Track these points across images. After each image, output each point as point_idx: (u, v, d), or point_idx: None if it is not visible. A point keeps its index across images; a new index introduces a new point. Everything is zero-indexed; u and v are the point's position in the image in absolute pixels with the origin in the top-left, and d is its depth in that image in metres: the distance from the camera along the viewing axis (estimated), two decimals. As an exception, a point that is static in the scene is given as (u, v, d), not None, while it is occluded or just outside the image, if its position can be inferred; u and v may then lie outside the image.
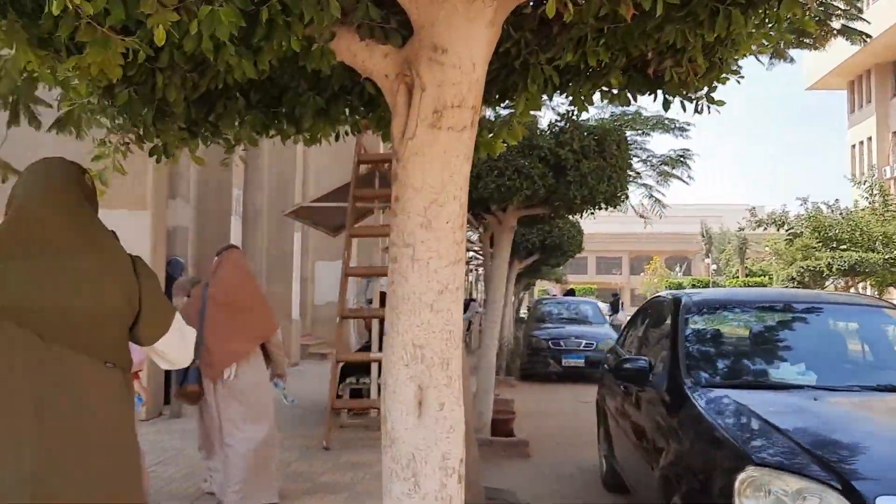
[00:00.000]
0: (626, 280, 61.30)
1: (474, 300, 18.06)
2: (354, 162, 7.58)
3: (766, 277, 40.56)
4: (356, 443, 6.77)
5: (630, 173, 7.11)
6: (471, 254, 19.68)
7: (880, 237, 26.87)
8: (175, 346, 2.13)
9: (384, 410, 2.09)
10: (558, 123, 6.66)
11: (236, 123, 2.47)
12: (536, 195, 6.51)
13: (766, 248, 40.01)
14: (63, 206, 1.97)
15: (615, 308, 21.22)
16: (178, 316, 2.16)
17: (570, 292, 19.56)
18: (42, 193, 1.98)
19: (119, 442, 1.97)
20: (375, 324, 7.41)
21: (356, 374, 7.70)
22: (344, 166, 19.01)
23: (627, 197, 6.95)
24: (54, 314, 1.89)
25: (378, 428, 2.24)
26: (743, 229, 35.46)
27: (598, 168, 6.58)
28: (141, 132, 2.43)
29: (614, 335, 14.07)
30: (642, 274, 57.90)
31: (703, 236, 53.60)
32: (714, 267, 53.83)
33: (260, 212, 13.47)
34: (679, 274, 57.43)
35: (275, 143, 2.71)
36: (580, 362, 13.35)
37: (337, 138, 2.87)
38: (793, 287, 34.65)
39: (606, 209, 6.89)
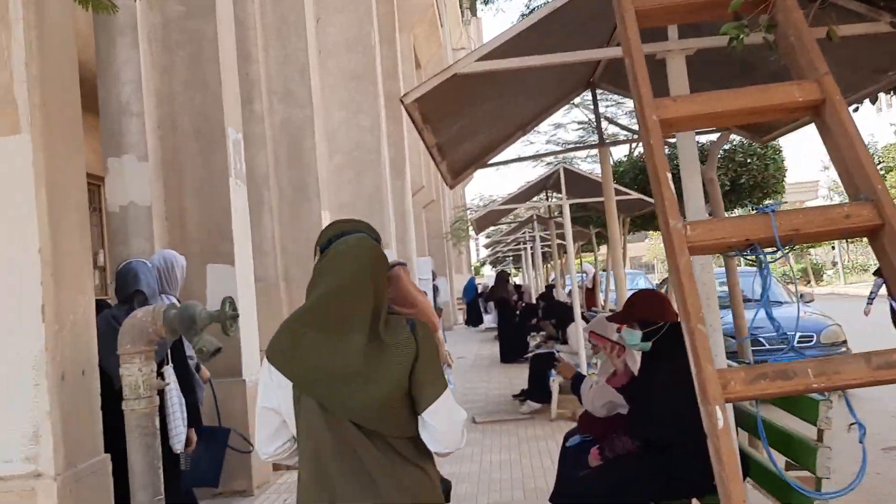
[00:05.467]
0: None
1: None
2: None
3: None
4: None
5: None
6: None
7: None
8: (443, 419, 1.99)
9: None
10: None
11: None
12: None
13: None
14: (367, 288, 2.02)
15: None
16: (448, 392, 2.04)
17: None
18: (360, 275, 2.02)
19: (427, 491, 1.99)
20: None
21: None
22: (362, 113, 14.13)
23: None
24: (351, 391, 1.95)
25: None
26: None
27: None
28: None
29: (829, 321, 9.19)
30: (647, 241, 51.15)
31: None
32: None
33: (266, 177, 8.41)
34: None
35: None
36: (795, 366, 8.39)
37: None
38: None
39: None
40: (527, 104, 4.85)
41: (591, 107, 5.28)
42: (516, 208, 9.96)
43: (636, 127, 7.40)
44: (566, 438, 4.29)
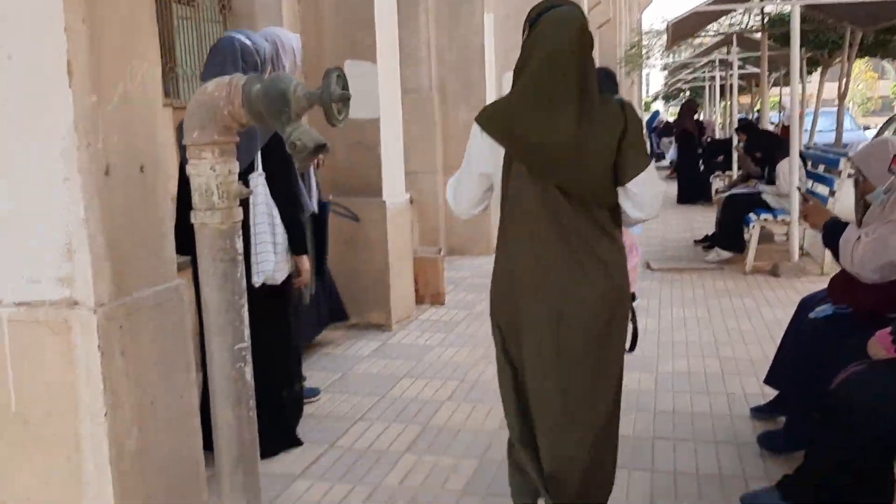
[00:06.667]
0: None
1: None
2: None
3: None
4: None
5: None
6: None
7: None
8: (646, 190, 2.12)
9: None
10: None
11: None
12: None
13: None
14: (575, 56, 2.05)
15: None
16: (652, 166, 2.14)
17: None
18: (570, 45, 2.05)
19: (613, 261, 2.11)
20: None
21: None
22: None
23: None
24: (560, 160, 2.05)
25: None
26: None
27: None
28: None
29: None
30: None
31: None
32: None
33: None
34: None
35: None
36: None
37: None
38: None
39: None
40: None
41: None
42: (730, 10, 8.15)
43: None
44: (804, 305, 3.11)
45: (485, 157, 2.15)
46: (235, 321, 2.09)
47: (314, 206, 3.50)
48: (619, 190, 2.13)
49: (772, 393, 3.42)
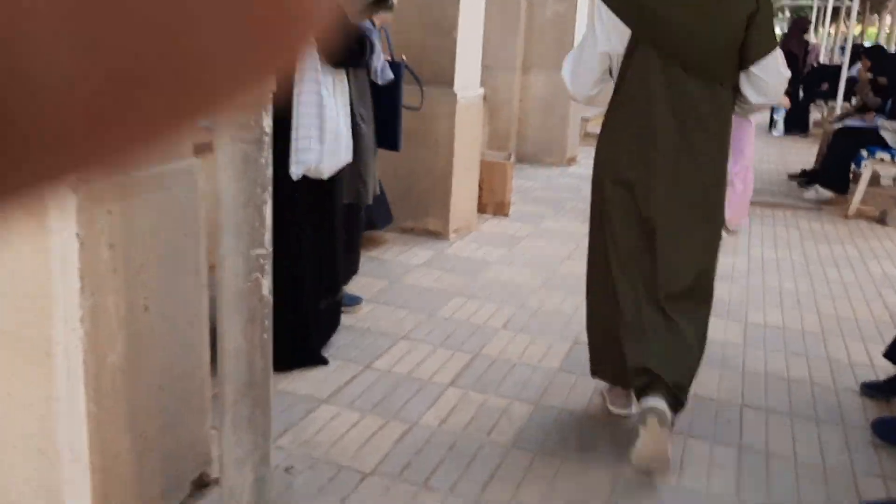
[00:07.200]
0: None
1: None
2: None
3: None
4: None
5: None
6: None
7: None
8: (771, 73, 2.12)
9: None
10: None
11: None
12: None
13: None
14: None
15: None
16: (779, 51, 2.14)
17: None
18: None
19: (722, 142, 2.19)
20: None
21: None
22: None
23: None
24: (689, 35, 2.07)
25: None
26: None
27: None
28: None
29: None
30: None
31: None
32: None
33: None
34: None
35: None
36: None
37: None
38: None
39: None
40: None
41: None
42: None
43: None
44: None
45: (608, 35, 2.15)
46: (255, 221, 1.66)
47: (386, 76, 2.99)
48: (742, 74, 2.13)
49: (886, 366, 2.90)
